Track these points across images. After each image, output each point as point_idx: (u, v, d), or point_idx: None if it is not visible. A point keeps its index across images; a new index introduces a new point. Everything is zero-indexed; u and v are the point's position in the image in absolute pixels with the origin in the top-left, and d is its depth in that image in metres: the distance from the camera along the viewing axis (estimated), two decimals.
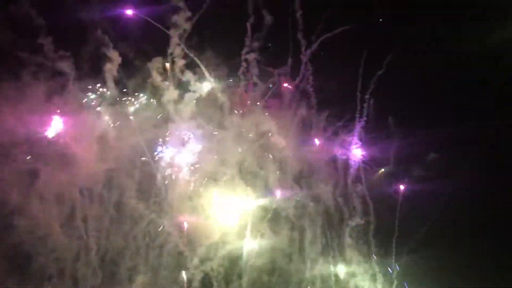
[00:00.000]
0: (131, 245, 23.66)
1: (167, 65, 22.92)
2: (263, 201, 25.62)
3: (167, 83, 23.16)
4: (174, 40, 22.41)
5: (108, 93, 22.70)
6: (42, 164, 21.90)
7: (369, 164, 26.97)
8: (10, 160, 21.22)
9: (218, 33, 22.97)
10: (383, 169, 26.98)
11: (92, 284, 23.00)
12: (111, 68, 22.03)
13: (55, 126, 22.05)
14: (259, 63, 24.40)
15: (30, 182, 21.63)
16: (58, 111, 21.90)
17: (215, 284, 24.59)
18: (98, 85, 22.42)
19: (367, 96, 25.37)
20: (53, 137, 22.08)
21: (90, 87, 22.48)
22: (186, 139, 24.28)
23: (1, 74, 20.47)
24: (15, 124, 21.02)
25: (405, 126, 26.20)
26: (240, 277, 25.10)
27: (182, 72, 23.06)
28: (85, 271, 23.01)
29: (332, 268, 26.52)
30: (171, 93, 23.29)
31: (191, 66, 23.42)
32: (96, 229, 23.04)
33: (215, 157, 24.75)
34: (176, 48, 22.57)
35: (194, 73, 23.45)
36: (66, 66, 21.45)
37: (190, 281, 24.23)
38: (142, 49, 22.69)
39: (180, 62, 22.85)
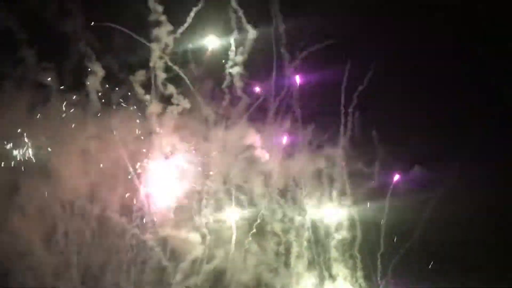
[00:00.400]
0: (114, 261, 23.45)
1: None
2: (248, 215, 25.58)
3: (150, 96, 23.19)
4: (157, 53, 22.60)
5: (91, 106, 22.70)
6: (23, 179, 21.86)
7: (355, 177, 26.94)
8: None
9: (202, 46, 23.24)
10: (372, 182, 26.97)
11: None
12: (94, 81, 22.10)
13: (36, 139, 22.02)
14: (243, 76, 24.58)
15: (10, 197, 21.53)
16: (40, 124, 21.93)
17: None
18: (80, 98, 22.47)
19: (350, 110, 25.55)
20: (34, 151, 22.04)
21: (73, 99, 22.50)
22: (170, 152, 24.18)
23: None
24: None
25: (390, 138, 26.32)
26: None
27: (165, 85, 23.16)
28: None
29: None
30: (154, 107, 23.31)
31: (174, 80, 23.61)
32: (78, 244, 22.82)
33: (199, 170, 24.68)
34: (159, 61, 22.73)
35: (178, 86, 23.54)
36: (47, 79, 21.57)
37: None
38: (125, 62, 22.87)
39: (163, 76, 22.97)
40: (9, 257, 21.77)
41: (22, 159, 21.93)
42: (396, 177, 26.59)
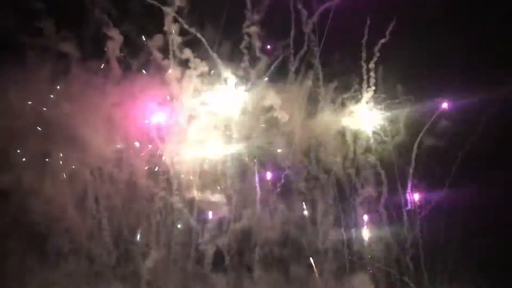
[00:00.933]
0: (143, 222, 24.18)
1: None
2: (272, 175, 25.77)
3: (168, 60, 23.24)
4: (174, 16, 22.52)
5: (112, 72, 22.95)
6: (52, 146, 22.54)
7: (379, 133, 26.66)
8: (20, 143, 21.89)
9: (217, 7, 22.97)
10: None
11: (106, 260, 23.63)
12: (113, 47, 22.28)
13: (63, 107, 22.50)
14: (261, 36, 24.26)
15: (40, 164, 22.28)
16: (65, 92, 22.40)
17: (227, 257, 24.97)
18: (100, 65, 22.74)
19: (372, 65, 25.03)
20: (61, 119, 22.54)
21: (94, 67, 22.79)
22: (192, 115, 24.34)
23: (6, 59, 21.06)
24: (24, 107, 21.63)
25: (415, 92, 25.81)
26: (252, 250, 25.37)
27: (181, 49, 23.13)
28: (99, 248, 23.69)
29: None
30: (174, 71, 23.38)
31: (191, 42, 23.52)
32: (107, 207, 23.57)
33: (222, 132, 24.85)
34: (175, 25, 22.68)
35: (195, 49, 23.49)
36: (68, 47, 21.89)
37: (202, 254, 24.66)
38: (143, 27, 22.92)
39: (180, 39, 22.93)
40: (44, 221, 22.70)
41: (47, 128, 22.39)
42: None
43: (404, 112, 26.27)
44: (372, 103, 26.15)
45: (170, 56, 23.13)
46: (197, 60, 23.44)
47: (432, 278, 25.99)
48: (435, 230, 26.13)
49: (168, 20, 22.37)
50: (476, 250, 25.26)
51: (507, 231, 24.75)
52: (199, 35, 23.52)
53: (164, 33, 22.87)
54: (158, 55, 23.02)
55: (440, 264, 25.97)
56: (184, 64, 23.49)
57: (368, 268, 26.32)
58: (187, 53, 23.15)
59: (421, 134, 26.34)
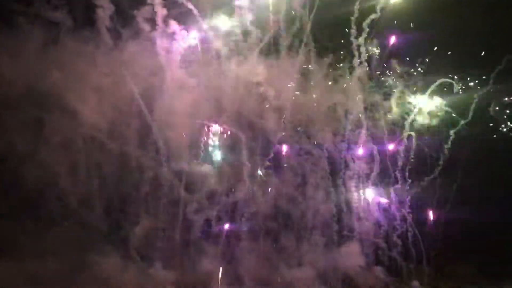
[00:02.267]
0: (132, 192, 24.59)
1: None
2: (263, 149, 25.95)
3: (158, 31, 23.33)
4: None
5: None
6: (41, 114, 22.88)
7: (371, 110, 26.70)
8: (10, 110, 22.30)
9: None
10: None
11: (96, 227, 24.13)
12: (103, 16, 22.38)
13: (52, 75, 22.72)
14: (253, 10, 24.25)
15: (29, 132, 22.67)
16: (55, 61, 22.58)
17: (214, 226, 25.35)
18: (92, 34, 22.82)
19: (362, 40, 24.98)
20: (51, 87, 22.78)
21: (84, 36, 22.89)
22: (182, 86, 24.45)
23: None
24: (13, 75, 21.94)
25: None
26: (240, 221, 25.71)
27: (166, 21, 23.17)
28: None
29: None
30: (164, 41, 23.50)
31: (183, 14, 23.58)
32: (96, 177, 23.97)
33: (213, 104, 24.98)
34: None
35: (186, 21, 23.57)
36: (59, 16, 22.09)
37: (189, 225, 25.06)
38: None
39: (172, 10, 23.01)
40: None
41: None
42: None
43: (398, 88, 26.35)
44: (364, 79, 26.14)
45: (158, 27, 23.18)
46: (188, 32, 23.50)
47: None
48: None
49: None
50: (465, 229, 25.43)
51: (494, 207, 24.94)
52: (191, 7, 23.55)
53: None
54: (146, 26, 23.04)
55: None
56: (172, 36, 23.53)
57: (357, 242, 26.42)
58: (176, 24, 23.21)
59: (414, 111, 26.41)
